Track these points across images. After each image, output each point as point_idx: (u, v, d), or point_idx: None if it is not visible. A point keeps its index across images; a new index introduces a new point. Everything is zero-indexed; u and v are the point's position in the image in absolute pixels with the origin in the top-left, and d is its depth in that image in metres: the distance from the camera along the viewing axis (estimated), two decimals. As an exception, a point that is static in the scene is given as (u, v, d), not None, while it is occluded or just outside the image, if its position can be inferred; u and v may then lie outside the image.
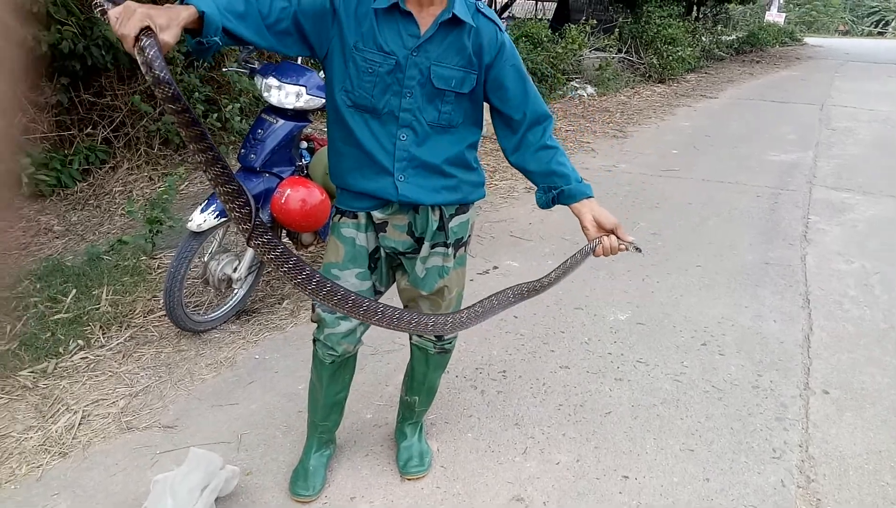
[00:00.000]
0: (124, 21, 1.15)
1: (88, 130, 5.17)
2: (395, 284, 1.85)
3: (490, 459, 2.08)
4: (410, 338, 1.95)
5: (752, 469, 2.05)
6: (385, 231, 1.71)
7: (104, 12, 1.18)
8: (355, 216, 1.70)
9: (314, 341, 1.84)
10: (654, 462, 2.07)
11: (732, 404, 2.38)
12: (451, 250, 1.74)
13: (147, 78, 1.17)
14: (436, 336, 1.87)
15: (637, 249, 1.73)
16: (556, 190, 1.71)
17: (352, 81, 1.54)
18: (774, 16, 28.38)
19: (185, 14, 1.24)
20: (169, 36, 1.19)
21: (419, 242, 1.72)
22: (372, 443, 2.15)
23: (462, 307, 1.57)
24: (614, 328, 2.91)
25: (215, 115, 5.47)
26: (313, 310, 1.78)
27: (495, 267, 3.56)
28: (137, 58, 1.16)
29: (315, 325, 1.81)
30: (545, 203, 1.75)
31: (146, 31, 1.14)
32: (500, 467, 2.04)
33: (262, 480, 1.98)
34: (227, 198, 1.27)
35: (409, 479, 1.99)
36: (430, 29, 1.51)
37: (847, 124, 7.95)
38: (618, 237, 1.69)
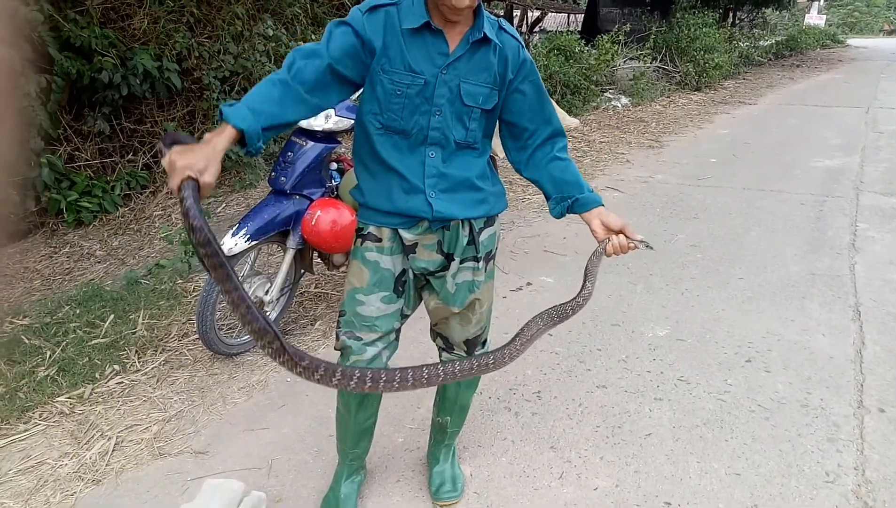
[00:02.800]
0: (170, 176, 1.26)
1: (129, 156, 5.31)
2: (424, 304, 1.82)
3: (525, 484, 2.01)
4: (440, 356, 1.91)
5: (803, 494, 1.93)
6: (415, 253, 1.69)
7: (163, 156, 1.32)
8: (379, 240, 1.67)
9: None
10: (697, 488, 1.97)
11: (780, 424, 2.26)
12: (481, 264, 1.74)
13: (183, 224, 1.29)
14: (465, 352, 1.84)
15: (648, 246, 1.77)
16: (570, 199, 1.73)
17: (380, 104, 1.55)
18: (815, 18, 27.72)
19: (222, 146, 1.32)
20: (209, 176, 1.27)
21: (448, 258, 1.70)
22: (403, 468, 2.10)
23: (503, 345, 1.51)
24: (653, 345, 2.82)
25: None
26: (337, 338, 1.75)
27: (529, 283, 3.49)
28: (179, 206, 1.27)
29: (339, 353, 1.77)
30: (559, 213, 1.76)
31: (187, 179, 1.25)
32: (536, 493, 1.97)
33: (292, 507, 1.95)
34: (257, 336, 1.32)
35: (441, 505, 1.94)
36: (459, 47, 1.52)
37: (894, 127, 7.65)
38: (626, 236, 1.71)
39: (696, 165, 6.10)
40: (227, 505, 1.74)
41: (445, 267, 1.71)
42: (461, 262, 1.70)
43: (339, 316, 1.73)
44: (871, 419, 2.28)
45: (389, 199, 1.62)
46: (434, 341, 1.91)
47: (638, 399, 2.43)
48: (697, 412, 2.34)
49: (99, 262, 4.31)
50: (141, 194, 5.24)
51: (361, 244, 1.69)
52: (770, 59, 16.40)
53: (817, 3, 26.91)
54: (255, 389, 2.58)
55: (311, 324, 3.12)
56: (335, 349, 1.76)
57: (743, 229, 4.29)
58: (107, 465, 2.14)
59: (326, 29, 1.53)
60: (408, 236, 1.66)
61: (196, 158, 1.27)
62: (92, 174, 5.04)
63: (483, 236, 1.71)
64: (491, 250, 1.76)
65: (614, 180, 5.59)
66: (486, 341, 1.87)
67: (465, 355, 1.85)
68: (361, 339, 1.70)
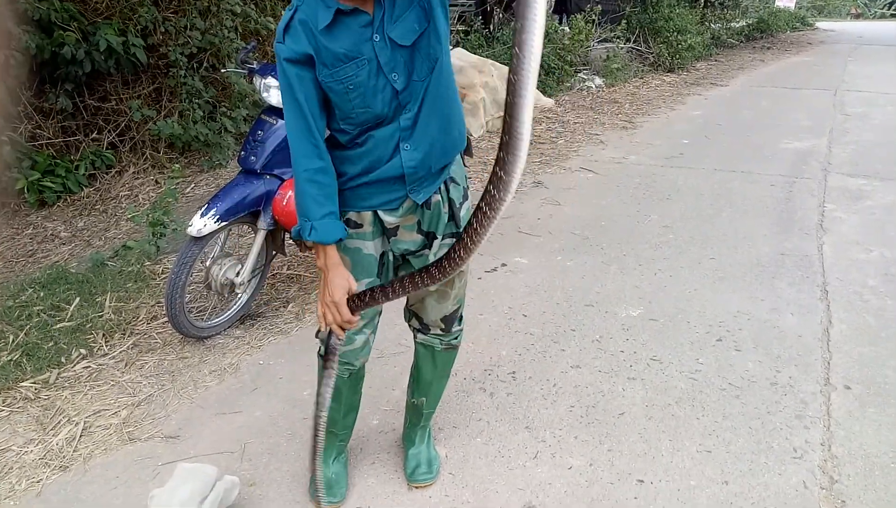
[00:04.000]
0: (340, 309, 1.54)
1: (94, 134, 5.15)
2: None
3: (500, 465, 2.02)
4: (416, 337, 1.90)
5: (772, 470, 1.97)
6: (396, 235, 1.67)
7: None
8: (360, 226, 1.63)
9: (321, 358, 1.75)
10: (670, 465, 2.00)
11: (750, 402, 2.30)
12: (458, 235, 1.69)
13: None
14: (442, 330, 1.83)
15: None
16: None
17: (342, 110, 1.49)
18: (785, 1, 27.98)
19: (336, 260, 1.56)
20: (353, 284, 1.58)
21: (429, 237, 1.68)
22: (378, 450, 2.10)
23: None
24: (626, 325, 2.84)
25: (223, 120, 5.44)
26: (321, 328, 1.71)
27: (503, 264, 3.48)
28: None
29: (320, 342, 1.73)
30: None
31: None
32: (511, 473, 1.98)
33: (266, 490, 1.93)
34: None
35: (416, 487, 1.93)
36: (376, 9, 1.42)
37: (862, 109, 7.78)
38: None
39: (669, 146, 6.14)
40: (200, 490, 1.71)
41: (426, 246, 1.69)
42: (442, 239, 1.68)
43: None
44: (838, 395, 2.33)
45: (370, 194, 1.59)
46: (409, 321, 1.89)
47: (611, 379, 2.45)
48: (670, 391, 2.37)
49: (63, 243, 4.20)
50: (106, 173, 5.10)
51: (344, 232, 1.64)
52: (741, 42, 16.49)
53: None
54: (226, 372, 2.54)
55: (284, 306, 3.08)
56: (317, 337, 1.71)
57: (714, 209, 4.33)
58: (74, 451, 2.09)
59: (282, 89, 1.49)
60: (389, 218, 1.63)
61: (343, 284, 1.54)
62: (55, 153, 4.89)
63: (462, 211, 1.69)
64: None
65: (588, 161, 5.60)
66: (461, 317, 1.86)
67: (441, 333, 1.84)
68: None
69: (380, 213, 1.62)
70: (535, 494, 1.89)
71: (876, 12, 34.67)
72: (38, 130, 4.94)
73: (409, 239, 1.67)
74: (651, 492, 1.89)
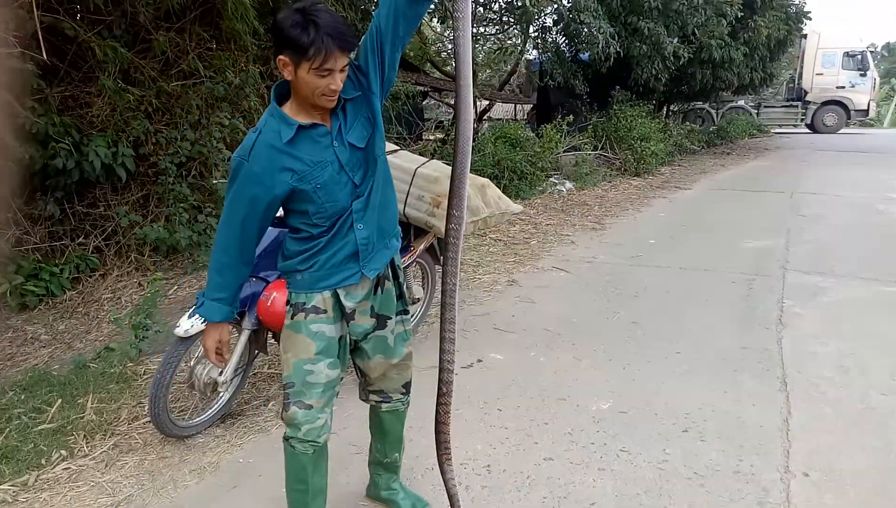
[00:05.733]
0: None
1: (80, 239, 5.30)
2: (361, 367, 2.08)
3: (475, 557, 2.07)
4: (379, 409, 2.15)
5: (737, 556, 2.05)
6: (354, 319, 1.94)
7: None
8: (324, 311, 1.87)
9: (287, 441, 1.92)
10: (639, 554, 2.06)
11: (715, 490, 2.39)
12: (409, 316, 2.07)
13: None
14: (402, 394, 2.14)
15: None
16: None
17: (315, 205, 1.79)
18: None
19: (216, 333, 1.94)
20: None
21: (380, 319, 1.98)
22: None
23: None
24: (597, 418, 2.95)
25: (208, 219, 5.63)
26: (287, 409, 1.88)
27: (479, 360, 3.61)
28: None
29: (286, 426, 1.93)
30: None
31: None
32: (486, 565, 2.03)
33: (244, 589, 1.95)
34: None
35: None
36: (332, 121, 1.79)
37: (816, 211, 8.25)
38: None
39: (636, 246, 6.45)
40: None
41: (377, 327, 1.98)
42: (396, 316, 2.00)
43: (286, 388, 1.88)
44: (797, 482, 2.44)
45: (330, 275, 1.86)
46: (367, 399, 2.14)
47: (583, 470, 2.53)
48: (638, 481, 2.46)
49: (44, 346, 4.24)
50: (90, 277, 5.21)
51: (305, 318, 1.86)
52: (703, 148, 17.50)
53: (747, 96, 29.02)
54: (206, 471, 2.58)
55: (265, 405, 3.15)
56: (283, 419, 1.86)
57: (680, 306, 4.54)
58: (52, 553, 2.10)
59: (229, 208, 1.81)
60: (349, 304, 1.89)
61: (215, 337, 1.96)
62: (40, 257, 5.01)
63: (407, 283, 1.97)
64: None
65: (560, 261, 5.85)
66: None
67: (401, 397, 2.12)
68: (312, 407, 1.86)
69: (342, 298, 1.87)
70: (510, 585, 1.94)
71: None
72: (26, 236, 5.08)
73: (364, 323, 1.97)
74: (621, 581, 1.95)
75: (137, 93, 5.31)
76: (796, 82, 24.65)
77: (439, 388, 1.82)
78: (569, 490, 2.41)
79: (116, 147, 5.14)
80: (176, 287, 5.28)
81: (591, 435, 2.79)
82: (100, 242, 5.37)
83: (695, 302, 4.62)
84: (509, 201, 3.71)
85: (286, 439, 1.92)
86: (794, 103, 23.79)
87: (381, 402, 2.14)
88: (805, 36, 23.47)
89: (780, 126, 24.43)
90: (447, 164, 3.76)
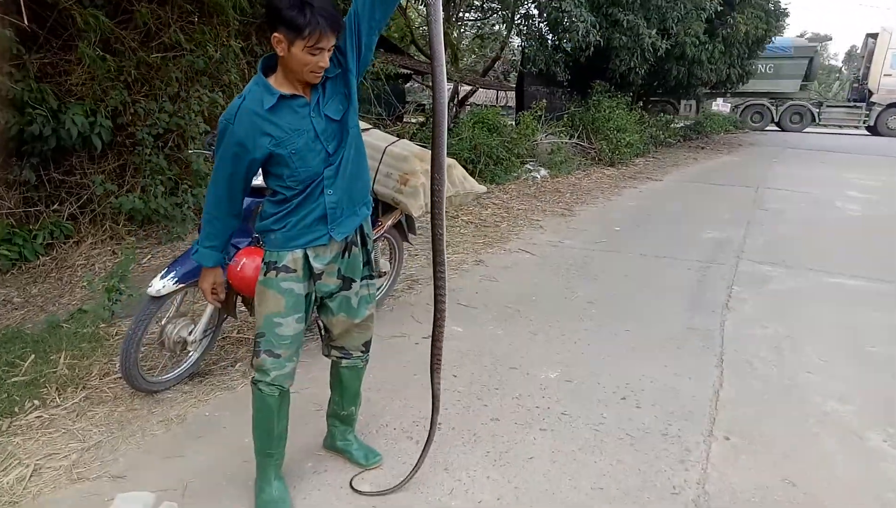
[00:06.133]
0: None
1: (55, 206, 5.36)
2: (325, 323, 2.26)
3: (418, 498, 2.27)
4: (340, 363, 2.33)
5: (653, 503, 2.27)
6: (321, 279, 2.12)
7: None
8: (294, 271, 2.04)
9: (255, 384, 2.08)
10: (566, 499, 2.28)
11: (642, 449, 2.61)
12: (373, 281, 2.26)
13: None
14: (362, 352, 2.35)
15: None
16: None
17: (290, 169, 1.96)
18: (720, 105, 30.34)
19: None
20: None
21: (345, 281, 2.16)
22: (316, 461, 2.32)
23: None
24: (544, 386, 3.16)
25: (184, 196, 5.70)
26: (257, 356, 2.05)
27: (439, 332, 3.79)
28: None
29: (255, 371, 2.11)
30: None
31: None
32: (427, 504, 2.23)
33: (204, 523, 2.13)
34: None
35: (376, 467, 2.43)
36: (312, 94, 1.97)
37: (778, 205, 8.55)
38: None
39: (602, 232, 6.67)
40: (142, 515, 1.91)
41: (342, 288, 2.16)
42: (361, 281, 2.19)
43: (258, 337, 2.05)
44: (717, 444, 2.67)
45: (301, 236, 2.05)
46: (329, 354, 2.32)
47: (525, 430, 2.74)
48: (575, 440, 2.67)
49: (16, 309, 4.33)
50: (64, 243, 5.28)
51: (276, 275, 2.04)
52: (679, 141, 17.83)
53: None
54: (173, 422, 2.74)
55: (232, 366, 3.31)
56: (252, 366, 2.04)
57: (635, 289, 4.77)
58: (24, 489, 2.26)
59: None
60: (317, 265, 2.07)
61: (210, 280, 2.29)
62: (14, 222, 5.07)
63: (375, 255, 2.17)
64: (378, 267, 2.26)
65: (527, 243, 6.05)
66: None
67: (361, 354, 2.32)
68: (280, 356, 2.06)
69: (311, 259, 2.05)
70: (447, 524, 2.14)
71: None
72: (1, 201, 5.13)
73: (330, 283, 2.16)
74: (548, 523, 2.16)
75: (117, 63, 5.36)
76: (861, 83, 24.25)
77: (435, 316, 2.16)
78: (510, 446, 2.61)
79: (94, 116, 5.19)
80: (150, 256, 5.37)
81: (536, 400, 3.00)
82: (75, 209, 5.43)
83: (650, 286, 4.85)
84: (474, 182, 3.88)
85: (254, 383, 2.12)
86: (858, 104, 23.61)
87: (342, 358, 2.33)
88: (874, 35, 23.38)
89: (839, 127, 24.17)
90: (419, 145, 3.93)
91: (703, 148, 16.68)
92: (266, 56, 1.98)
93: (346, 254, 2.16)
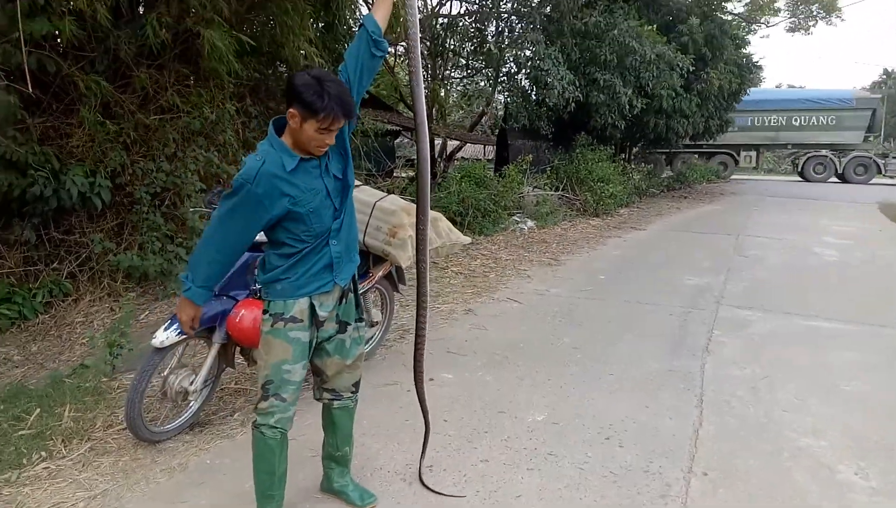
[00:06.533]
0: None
1: (55, 264, 5.50)
2: (319, 367, 2.43)
3: (413, 538, 2.38)
4: (332, 406, 2.49)
5: (635, 536, 2.40)
6: (322, 326, 2.31)
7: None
8: (301, 321, 2.23)
9: (258, 428, 2.23)
10: (553, 535, 2.40)
11: (625, 485, 2.75)
12: (363, 323, 2.46)
13: None
14: (352, 393, 2.52)
15: None
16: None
17: (306, 225, 2.17)
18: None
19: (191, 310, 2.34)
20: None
21: (342, 325, 2.37)
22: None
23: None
24: (531, 428, 3.29)
25: (178, 250, 5.84)
26: (265, 400, 2.23)
27: (431, 379, 3.93)
28: None
29: (258, 415, 2.28)
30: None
31: None
32: (421, 544, 2.35)
33: (208, 564, 2.23)
34: None
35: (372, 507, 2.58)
36: (321, 159, 2.21)
37: (757, 252, 8.82)
38: None
39: (587, 280, 6.88)
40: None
41: (338, 332, 2.37)
42: (355, 323, 2.40)
43: (266, 384, 2.23)
44: (696, 480, 2.81)
45: (308, 284, 2.24)
46: (321, 397, 2.49)
47: (513, 470, 2.87)
48: (561, 478, 2.80)
49: (16, 366, 4.42)
50: (63, 301, 5.40)
51: (284, 326, 2.21)
52: (662, 191, 18.30)
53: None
54: (175, 470, 2.85)
55: (231, 415, 3.43)
56: (256, 411, 2.19)
57: (619, 334, 4.94)
58: (35, 536, 2.35)
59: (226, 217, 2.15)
60: (322, 313, 2.27)
61: (190, 313, 2.38)
62: (14, 282, 5.19)
63: (366, 304, 2.36)
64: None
65: (515, 293, 6.24)
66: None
67: (351, 395, 2.49)
68: (286, 400, 2.24)
69: (316, 309, 2.24)
70: (440, 559, 2.26)
71: (785, 168, 38.69)
72: (1, 260, 5.27)
73: (330, 328, 2.37)
74: (536, 556, 2.28)
75: (116, 125, 5.60)
76: None
77: (417, 340, 2.50)
78: (499, 485, 2.74)
79: (94, 177, 5.37)
80: (147, 312, 5.50)
81: (524, 442, 3.14)
82: (74, 267, 5.56)
83: (633, 331, 5.03)
84: (459, 233, 4.10)
85: (257, 427, 2.27)
86: None
87: (333, 400, 2.50)
88: None
89: None
90: (407, 199, 4.15)
91: (685, 197, 17.11)
92: (276, 118, 2.19)
93: (343, 300, 2.36)
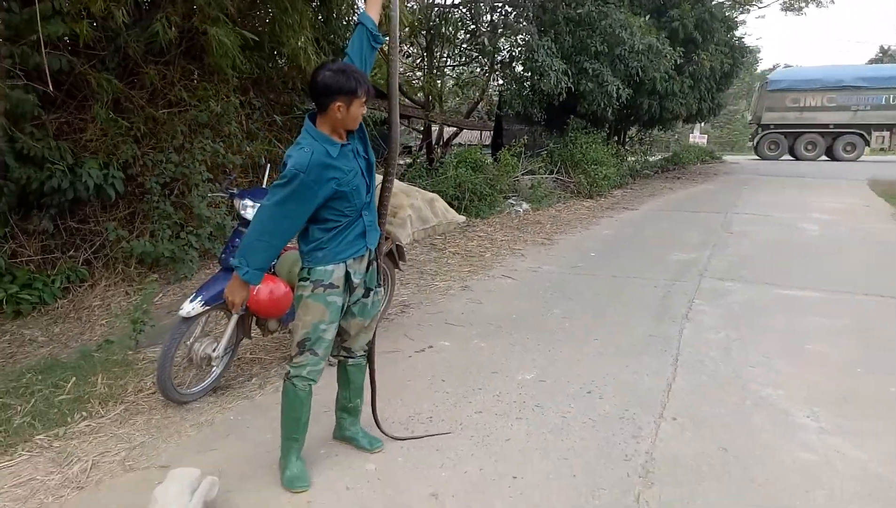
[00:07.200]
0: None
1: (71, 252, 5.82)
2: (346, 325, 2.74)
3: (414, 471, 2.74)
4: (347, 363, 2.85)
5: (608, 467, 2.76)
6: (354, 291, 2.66)
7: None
8: (337, 287, 2.57)
9: (291, 380, 2.61)
10: (537, 467, 2.76)
11: (602, 429, 3.10)
12: (381, 288, 2.85)
13: None
14: (364, 352, 2.89)
15: None
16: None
17: (349, 201, 2.51)
18: (697, 137, 31.46)
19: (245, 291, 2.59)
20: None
21: (367, 290, 2.72)
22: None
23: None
24: (521, 385, 3.65)
25: (189, 237, 6.16)
26: (302, 354, 2.59)
27: (430, 346, 4.29)
28: None
29: (292, 367, 2.65)
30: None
31: None
32: (422, 475, 2.70)
33: (238, 497, 2.58)
34: None
35: (379, 451, 2.91)
36: (351, 137, 2.57)
37: (744, 228, 9.15)
38: None
39: (578, 258, 7.22)
40: (189, 485, 2.37)
41: (364, 296, 2.71)
42: (376, 288, 2.75)
43: (304, 341, 2.58)
44: (666, 423, 3.16)
45: (346, 249, 2.59)
46: (338, 354, 2.83)
47: (503, 419, 3.22)
48: (546, 425, 3.16)
49: (41, 346, 4.75)
50: (80, 286, 5.72)
51: (324, 291, 2.55)
52: (656, 172, 18.61)
53: (699, 124, 30.44)
54: (203, 425, 3.20)
55: (248, 380, 3.78)
56: (292, 363, 2.59)
57: (606, 305, 5.29)
58: (87, 477, 2.70)
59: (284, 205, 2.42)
60: (355, 279, 2.61)
61: (244, 295, 2.63)
62: (34, 268, 5.51)
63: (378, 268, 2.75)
64: None
65: (509, 270, 6.58)
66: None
67: (363, 354, 2.85)
68: (318, 355, 2.61)
69: (351, 275, 2.58)
70: (438, 487, 2.62)
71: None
72: (21, 249, 5.59)
73: (360, 292, 2.70)
74: (521, 483, 2.65)
75: (127, 119, 5.90)
76: None
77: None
78: (491, 431, 3.09)
79: (107, 169, 5.67)
80: (161, 295, 5.83)
81: (514, 396, 3.49)
82: (89, 255, 5.88)
83: (619, 302, 5.37)
84: (455, 213, 4.42)
85: (290, 378, 2.63)
86: None
87: (348, 358, 2.86)
88: None
89: None
90: (406, 183, 4.49)
91: (678, 178, 17.43)
92: (309, 113, 2.53)
93: (370, 268, 2.70)
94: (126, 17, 5.22)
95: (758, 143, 25.59)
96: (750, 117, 28.15)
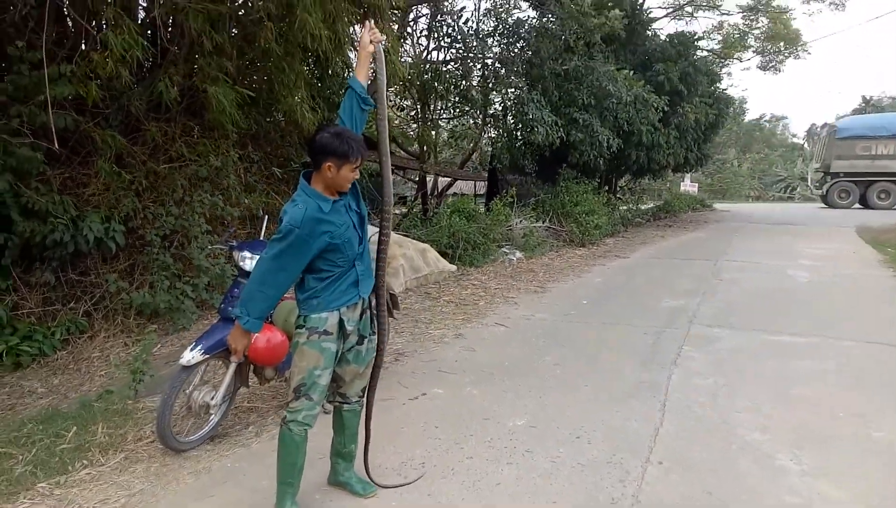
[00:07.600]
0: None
1: (72, 304, 5.91)
2: (341, 371, 2.87)
3: (408, 519, 2.81)
4: (342, 408, 2.94)
5: (596, 511, 2.83)
6: (347, 338, 2.79)
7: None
8: (331, 334, 2.69)
9: (287, 425, 2.71)
10: (527, 512, 2.83)
11: (590, 473, 3.19)
12: (374, 336, 2.92)
13: None
14: (359, 397, 2.99)
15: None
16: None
17: (342, 254, 2.67)
18: (688, 186, 32.01)
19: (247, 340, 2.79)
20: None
21: (360, 338, 2.84)
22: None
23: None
24: (512, 431, 3.73)
25: (186, 287, 6.26)
26: (297, 399, 2.69)
27: (424, 394, 4.37)
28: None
29: (289, 412, 2.74)
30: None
31: None
32: (415, 522, 2.77)
33: (236, 543, 2.65)
34: None
35: (373, 496, 2.99)
36: (343, 198, 2.73)
37: (734, 275, 9.31)
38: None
39: (571, 305, 7.35)
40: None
41: (357, 343, 2.83)
42: (370, 337, 2.86)
43: (300, 386, 2.69)
44: (652, 467, 3.24)
45: (338, 297, 2.72)
46: (333, 400, 2.93)
47: (494, 464, 3.31)
48: (536, 469, 3.24)
49: (41, 398, 4.80)
50: (79, 338, 5.79)
51: (318, 338, 2.69)
52: (648, 220, 18.91)
53: (689, 174, 30.96)
54: (201, 473, 3.27)
55: (245, 427, 3.85)
56: (289, 408, 2.68)
57: (597, 352, 5.39)
58: (88, 525, 2.76)
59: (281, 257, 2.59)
60: (349, 327, 2.74)
61: (245, 344, 2.83)
62: (34, 321, 5.60)
63: (372, 316, 2.88)
64: None
65: (502, 318, 6.70)
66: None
67: (358, 399, 2.93)
68: (314, 400, 2.71)
69: (345, 323, 2.71)
70: (431, 532, 2.68)
71: (773, 195, 39.60)
72: (23, 301, 5.69)
73: (353, 339, 2.83)
74: (512, 528, 2.71)
75: (129, 174, 6.08)
76: None
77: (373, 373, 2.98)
78: (482, 476, 3.17)
79: (109, 222, 5.81)
80: (159, 345, 5.90)
81: (505, 442, 3.57)
82: (89, 306, 5.97)
83: (610, 349, 5.48)
84: (446, 263, 4.58)
85: (286, 423, 2.73)
86: None
87: (343, 403, 2.97)
88: None
89: None
90: (400, 234, 4.65)
91: (670, 226, 17.70)
92: (304, 172, 2.71)
93: (363, 316, 2.83)
94: (131, 77, 5.45)
95: (827, 191, 25.20)
96: (817, 165, 28.01)
